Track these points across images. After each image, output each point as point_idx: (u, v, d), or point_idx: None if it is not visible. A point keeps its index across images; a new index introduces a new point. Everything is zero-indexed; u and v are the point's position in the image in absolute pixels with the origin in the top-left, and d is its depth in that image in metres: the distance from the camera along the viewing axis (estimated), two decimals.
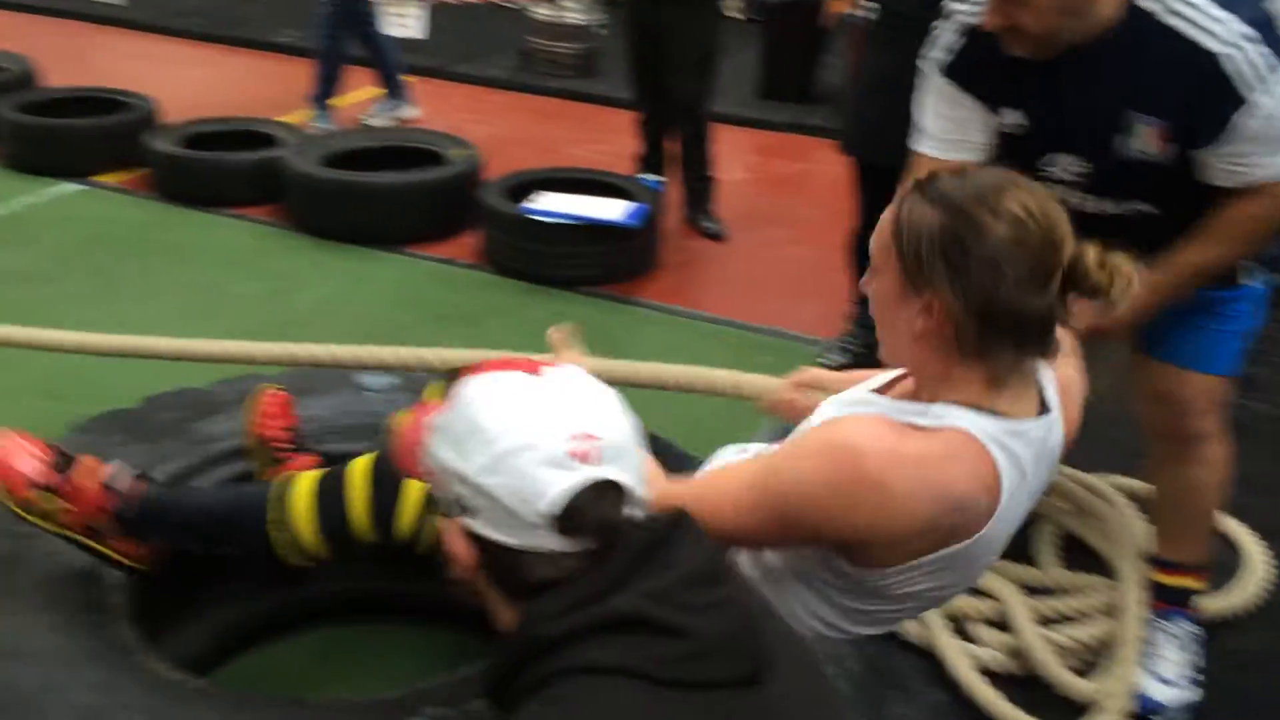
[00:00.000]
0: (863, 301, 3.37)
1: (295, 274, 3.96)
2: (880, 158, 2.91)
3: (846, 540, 1.23)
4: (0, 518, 1.69)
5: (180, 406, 2.16)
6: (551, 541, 0.98)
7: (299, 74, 5.77)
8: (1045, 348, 1.22)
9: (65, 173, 4.67)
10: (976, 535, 1.22)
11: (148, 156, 4.56)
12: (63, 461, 1.69)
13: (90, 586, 1.69)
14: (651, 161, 4.44)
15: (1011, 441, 1.21)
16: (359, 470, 1.61)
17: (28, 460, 1.66)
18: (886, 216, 1.27)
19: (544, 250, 3.88)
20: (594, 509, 0.98)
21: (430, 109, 5.73)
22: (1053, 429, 1.28)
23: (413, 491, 1.58)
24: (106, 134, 4.77)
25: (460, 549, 1.03)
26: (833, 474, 1.18)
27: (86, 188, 4.63)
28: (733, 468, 1.39)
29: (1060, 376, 1.34)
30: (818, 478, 1.19)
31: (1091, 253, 1.18)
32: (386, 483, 1.59)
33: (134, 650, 1.56)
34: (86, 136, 4.74)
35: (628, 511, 1.01)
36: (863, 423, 1.22)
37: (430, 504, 1.10)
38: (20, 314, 3.51)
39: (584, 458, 0.98)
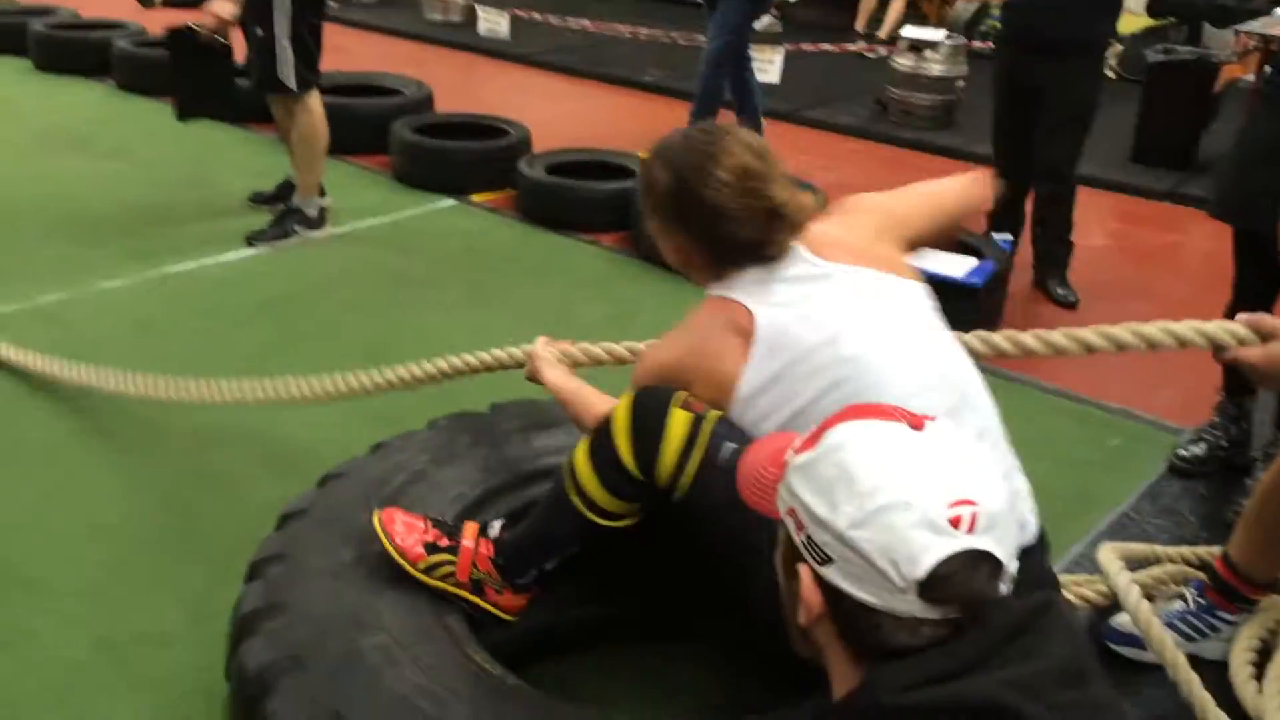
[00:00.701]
0: (1230, 389, 3.05)
1: (639, 300, 4.11)
2: (1261, 225, 2.67)
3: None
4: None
5: (521, 416, 2.28)
6: (914, 607, 0.93)
7: (659, 111, 6.03)
8: (771, 259, 1.74)
9: (444, 189, 5.13)
10: (750, 349, 1.67)
11: (517, 180, 4.91)
12: (449, 528, 1.84)
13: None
14: (1005, 220, 4.25)
15: (758, 287, 1.73)
16: (619, 416, 1.70)
17: (415, 534, 1.81)
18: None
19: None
20: (965, 580, 0.92)
21: (778, 153, 5.80)
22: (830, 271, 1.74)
23: (672, 439, 1.63)
24: (485, 158, 5.19)
25: (810, 595, 1.00)
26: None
27: (461, 204, 5.05)
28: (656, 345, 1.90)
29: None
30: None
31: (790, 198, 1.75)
32: (648, 427, 1.66)
33: (462, 638, 1.66)
34: (468, 159, 5.18)
35: (997, 587, 0.95)
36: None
37: (788, 551, 1.05)
38: (404, 311, 3.91)
39: (961, 524, 0.93)
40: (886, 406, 1.05)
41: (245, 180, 5.03)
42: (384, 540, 1.77)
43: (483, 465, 2.08)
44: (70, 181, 3.72)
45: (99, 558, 2.52)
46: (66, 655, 2.20)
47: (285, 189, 4.77)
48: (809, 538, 0.99)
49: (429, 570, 1.79)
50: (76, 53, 6.69)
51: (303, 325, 3.75)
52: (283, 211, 4.55)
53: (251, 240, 4.41)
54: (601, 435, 1.71)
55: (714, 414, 1.67)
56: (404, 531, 1.79)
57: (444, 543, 1.81)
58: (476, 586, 1.80)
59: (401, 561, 1.76)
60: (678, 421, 1.63)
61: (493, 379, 2.55)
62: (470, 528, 1.86)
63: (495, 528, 1.87)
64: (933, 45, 6.35)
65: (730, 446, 1.60)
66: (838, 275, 1.72)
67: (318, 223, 4.55)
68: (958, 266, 3.78)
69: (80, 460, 2.91)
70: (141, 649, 2.23)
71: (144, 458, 2.93)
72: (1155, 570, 2.28)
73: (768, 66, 6.63)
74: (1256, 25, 5.31)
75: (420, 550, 1.78)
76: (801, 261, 1.75)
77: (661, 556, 2.23)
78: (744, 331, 1.69)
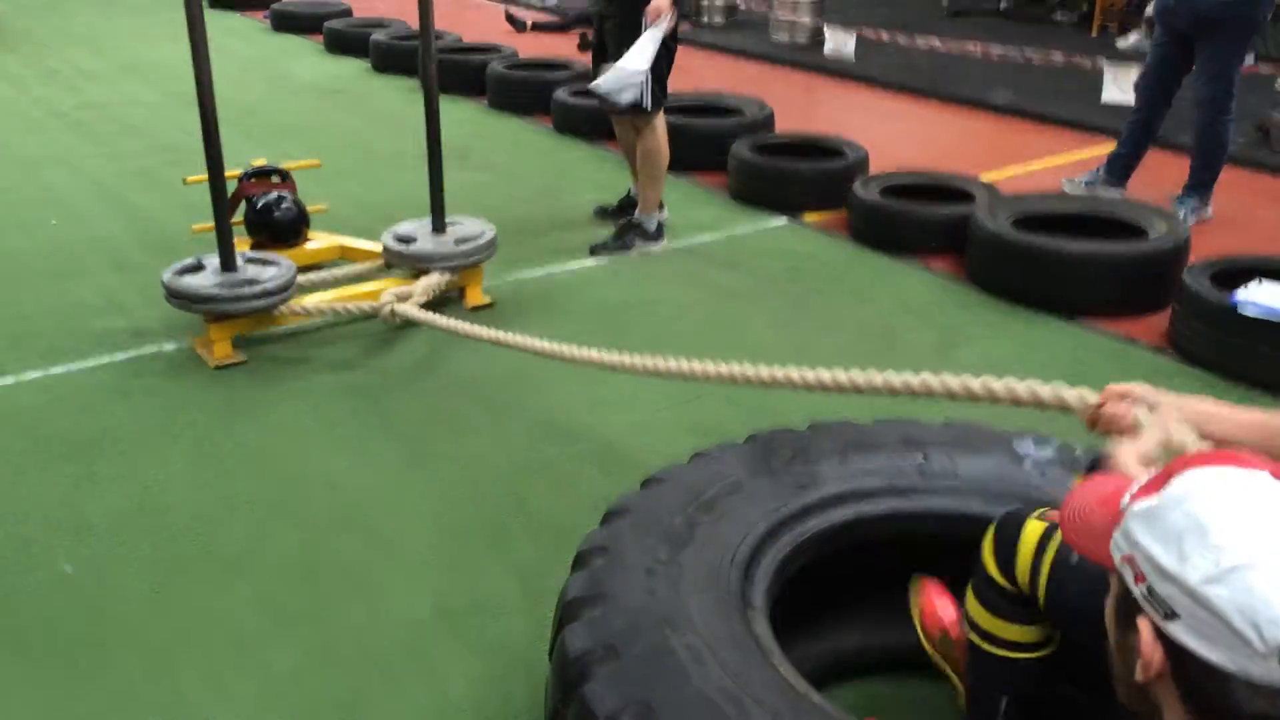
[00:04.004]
0: None
1: (965, 329, 3.99)
2: None
3: None
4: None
5: (838, 437, 2.29)
6: (1272, 673, 0.86)
7: (1006, 133, 5.80)
8: None
9: (777, 207, 5.21)
10: None
11: (850, 201, 4.90)
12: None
13: (744, 578, 1.86)
14: None
15: None
16: (987, 539, 1.73)
17: (950, 609, 1.93)
18: None
19: (1246, 346, 3.47)
20: None
21: (1141, 180, 5.41)
22: None
23: (1025, 545, 1.64)
24: (820, 178, 5.22)
25: (1151, 652, 0.94)
26: None
27: (793, 224, 5.11)
28: None
29: None
30: None
31: None
32: (1007, 537, 1.68)
33: (768, 648, 1.69)
34: (803, 179, 5.23)
35: None
36: None
37: (1122, 601, 1.00)
38: (728, 324, 4.02)
39: None
40: (1237, 454, 0.98)
41: (591, 194, 5.36)
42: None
43: (796, 482, 2.11)
44: (450, 191, 4.16)
45: (445, 527, 2.79)
46: (411, 615, 2.46)
47: (627, 203, 5.04)
48: (1150, 589, 0.94)
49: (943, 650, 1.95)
50: (460, 74, 7.36)
51: (633, 333, 3.94)
52: (624, 225, 4.80)
53: (594, 251, 4.69)
54: (979, 572, 1.77)
55: None
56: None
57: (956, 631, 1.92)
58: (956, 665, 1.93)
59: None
60: (1031, 530, 1.68)
61: (815, 400, 2.58)
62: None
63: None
64: None
65: None
66: None
67: (656, 236, 4.76)
68: None
69: (434, 438, 3.22)
70: (477, 618, 2.45)
71: (489, 441, 3.20)
72: None
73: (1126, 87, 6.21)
74: None
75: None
76: None
77: None
78: None
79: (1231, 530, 0.89)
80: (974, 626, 1.79)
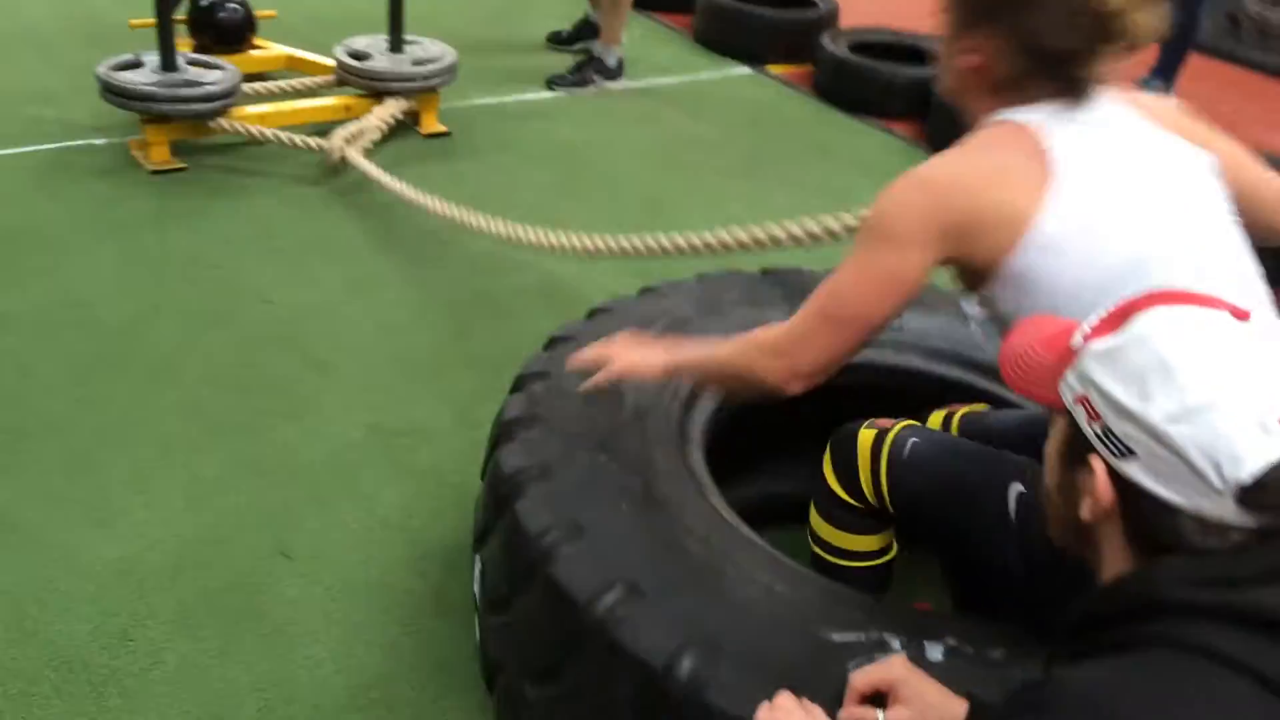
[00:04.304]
0: None
1: None
2: None
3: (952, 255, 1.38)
4: None
5: (790, 284, 2.26)
6: (1227, 511, 0.86)
7: None
8: (1079, 90, 1.38)
9: (743, 56, 5.06)
10: (1046, 197, 1.32)
11: (817, 55, 4.78)
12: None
13: (684, 412, 1.86)
14: None
15: (1057, 121, 1.38)
16: (826, 458, 1.71)
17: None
18: None
19: None
20: None
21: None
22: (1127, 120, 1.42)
23: (861, 454, 1.62)
24: (787, 28, 5.07)
25: (1103, 490, 0.94)
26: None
27: (757, 73, 4.98)
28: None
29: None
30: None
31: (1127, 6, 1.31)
32: (844, 454, 1.66)
33: (703, 482, 1.70)
34: (769, 27, 5.08)
35: None
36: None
37: (1071, 441, 0.99)
38: (685, 172, 3.94)
39: None
40: (1203, 293, 0.95)
41: (551, 21, 5.16)
42: None
43: (744, 323, 2.09)
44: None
45: (383, 352, 2.75)
46: (345, 434, 2.44)
47: (583, 29, 4.86)
48: (1106, 429, 0.93)
49: None
50: None
51: (587, 172, 3.85)
52: (584, 60, 4.64)
53: (551, 84, 4.54)
54: (820, 485, 1.72)
55: (902, 423, 1.64)
56: None
57: None
58: None
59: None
60: (864, 439, 1.64)
61: (768, 256, 2.55)
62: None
63: None
64: None
65: (913, 440, 1.59)
66: (1153, 141, 1.43)
67: (615, 73, 4.62)
68: None
69: (376, 263, 3.15)
70: (409, 439, 2.43)
71: (432, 270, 3.14)
72: None
73: None
74: None
75: None
76: (1110, 108, 1.43)
77: None
78: (1042, 157, 1.36)
79: (1197, 369, 0.88)
80: (817, 540, 1.76)
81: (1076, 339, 0.99)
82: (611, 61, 4.60)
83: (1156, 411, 0.88)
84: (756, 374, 1.50)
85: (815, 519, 1.75)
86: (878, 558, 1.73)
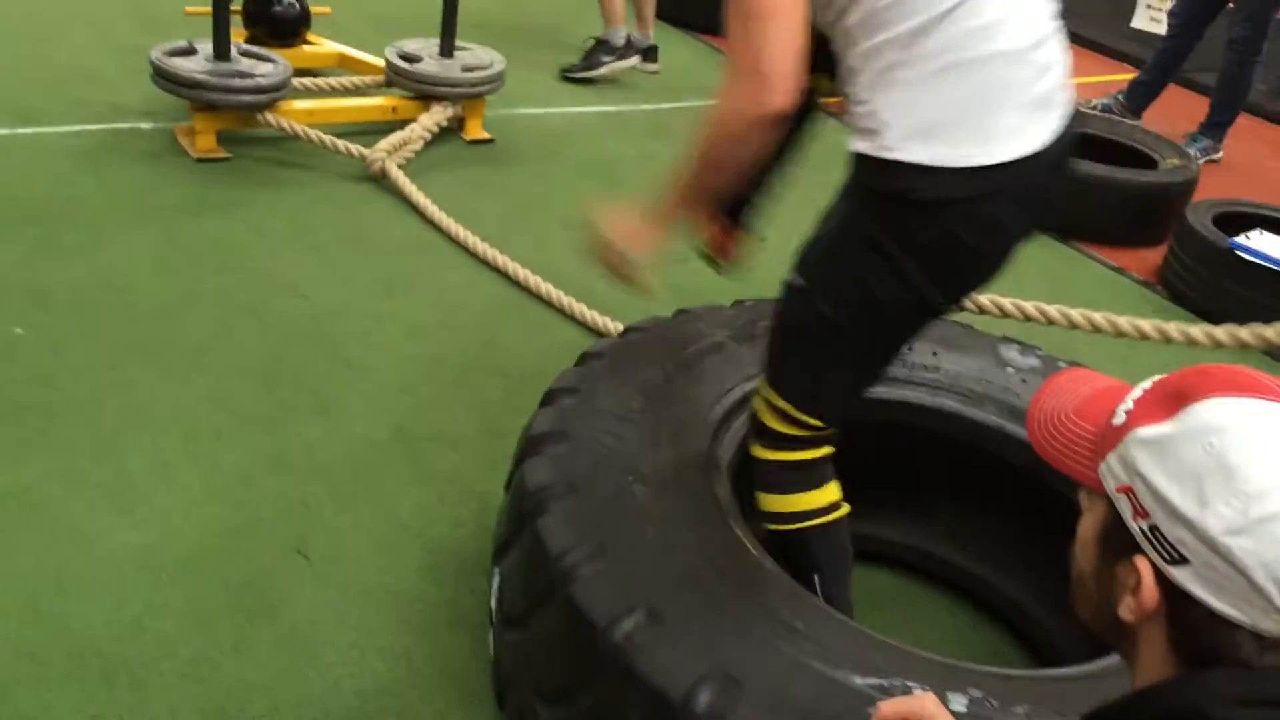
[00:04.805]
0: None
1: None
2: None
3: None
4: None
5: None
6: None
7: None
8: None
9: None
10: None
11: None
12: None
13: (714, 439, 1.84)
14: None
15: None
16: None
17: None
18: None
19: (1236, 291, 3.44)
20: None
21: (1155, 113, 5.29)
22: None
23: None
24: None
25: (1149, 595, 0.85)
26: None
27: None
28: None
29: None
30: None
31: None
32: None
33: (729, 511, 1.67)
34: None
35: None
36: None
37: (1109, 530, 0.89)
38: None
39: None
40: (1264, 379, 0.85)
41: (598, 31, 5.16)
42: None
43: None
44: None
45: (412, 354, 2.74)
46: (369, 434, 2.43)
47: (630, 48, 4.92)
48: (1156, 530, 0.84)
49: None
50: None
51: (632, 187, 3.85)
52: (591, 45, 4.74)
53: (566, 75, 4.69)
54: (757, 452, 1.70)
55: None
56: None
57: None
58: None
59: None
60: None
61: None
62: None
63: None
64: None
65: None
66: None
67: (625, 52, 4.80)
68: None
69: (411, 264, 3.15)
70: (433, 444, 2.42)
71: (465, 276, 3.13)
72: None
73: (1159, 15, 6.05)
74: None
75: None
76: None
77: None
78: None
79: (1261, 475, 0.79)
80: (768, 518, 1.70)
81: (1120, 417, 0.89)
82: (619, 40, 4.65)
83: (1215, 521, 0.80)
84: (731, 117, 1.44)
85: (761, 498, 1.71)
86: (830, 512, 1.70)
